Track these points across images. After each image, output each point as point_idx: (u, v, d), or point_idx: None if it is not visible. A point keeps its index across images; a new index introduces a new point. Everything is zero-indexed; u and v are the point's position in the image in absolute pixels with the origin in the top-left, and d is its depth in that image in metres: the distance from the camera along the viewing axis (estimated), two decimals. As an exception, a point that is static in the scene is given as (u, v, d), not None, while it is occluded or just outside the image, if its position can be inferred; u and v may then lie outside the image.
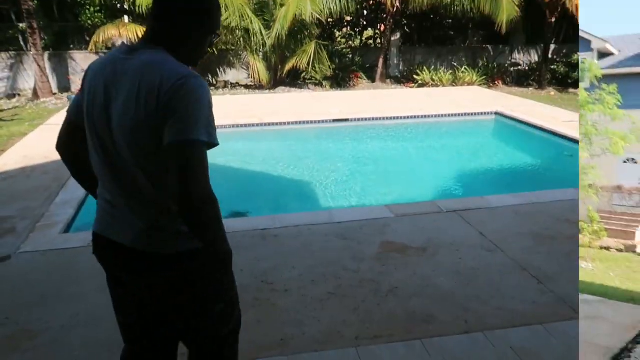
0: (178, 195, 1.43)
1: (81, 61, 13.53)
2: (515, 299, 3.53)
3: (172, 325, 1.76)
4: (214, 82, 14.27)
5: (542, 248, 4.28)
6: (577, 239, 4.46)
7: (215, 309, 1.73)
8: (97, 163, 1.59)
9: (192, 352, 1.82)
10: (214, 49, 13.34)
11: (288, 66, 12.92)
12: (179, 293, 1.63)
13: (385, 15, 14.56)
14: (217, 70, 14.53)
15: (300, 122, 9.52)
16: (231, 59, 14.44)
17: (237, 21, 12.20)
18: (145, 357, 1.84)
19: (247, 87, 14.10)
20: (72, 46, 13.99)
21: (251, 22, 12.38)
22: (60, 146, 1.73)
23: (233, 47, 13.88)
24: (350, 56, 15.26)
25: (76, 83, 12.94)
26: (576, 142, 8.12)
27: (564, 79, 14.42)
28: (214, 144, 1.48)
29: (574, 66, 14.13)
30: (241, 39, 12.90)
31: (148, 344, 1.82)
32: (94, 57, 13.44)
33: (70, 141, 1.70)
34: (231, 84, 14.28)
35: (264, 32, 12.72)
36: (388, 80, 15.19)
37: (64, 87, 13.38)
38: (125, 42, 1.70)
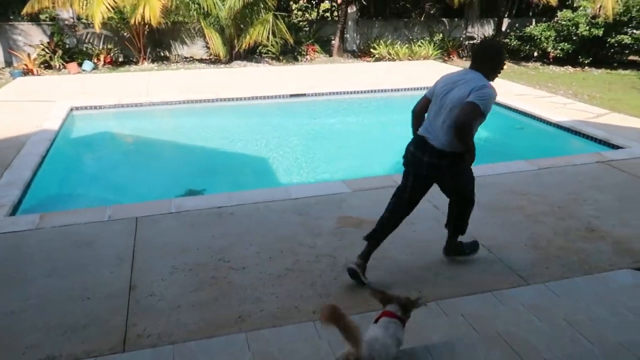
0: (456, 134, 3.13)
1: (23, 34, 12.74)
2: (467, 268, 3.67)
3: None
4: (167, 56, 13.80)
5: (493, 219, 4.44)
6: (525, 210, 4.64)
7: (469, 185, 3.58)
8: (431, 114, 3.29)
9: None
10: (168, 21, 12.85)
11: (246, 40, 12.61)
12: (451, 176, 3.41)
13: (341, -13, 14.42)
14: (171, 43, 14.04)
15: (256, 97, 9.37)
16: (185, 32, 13.96)
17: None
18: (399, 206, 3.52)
19: (202, 61, 13.72)
20: (11, 17, 13.16)
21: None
22: (417, 110, 3.45)
23: (187, 20, 13.41)
24: (307, 29, 15.05)
25: (19, 57, 12.18)
26: (526, 114, 8.38)
27: (516, 53, 14.74)
28: (484, 113, 3.09)
29: (526, 39, 14.44)
30: (195, 12, 12.47)
31: (404, 196, 3.48)
32: (35, 29, 12.69)
33: (422, 109, 3.40)
34: (185, 58, 13.85)
35: (218, 3, 12.33)
36: (345, 54, 15.12)
37: (6, 61, 12.61)
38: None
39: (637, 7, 12.47)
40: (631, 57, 14.14)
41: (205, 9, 12.26)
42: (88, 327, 2.97)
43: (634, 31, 12.93)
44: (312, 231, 4.16)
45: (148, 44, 13.34)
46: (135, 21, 11.67)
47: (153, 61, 13.35)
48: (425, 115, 3.39)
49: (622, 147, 6.54)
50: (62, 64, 12.19)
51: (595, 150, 6.60)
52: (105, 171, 6.63)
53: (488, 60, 3.23)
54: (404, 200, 3.47)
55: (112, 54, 13.13)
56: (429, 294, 3.34)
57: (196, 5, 12.25)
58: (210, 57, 13.34)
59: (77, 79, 11.12)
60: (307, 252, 3.83)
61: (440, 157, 3.25)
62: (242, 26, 13.07)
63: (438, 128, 3.22)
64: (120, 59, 13.36)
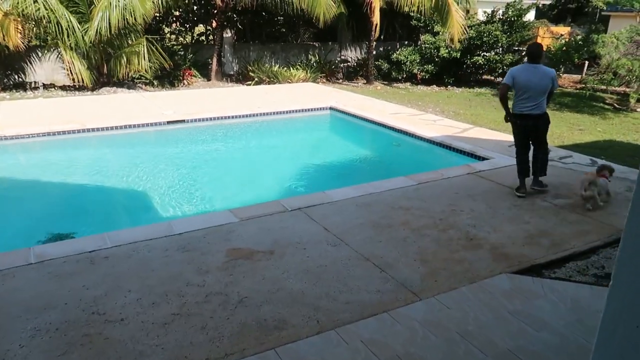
0: (551, 97, 5.64)
1: None
2: (362, 290, 3.64)
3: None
4: (22, 83, 12.41)
5: (381, 236, 4.51)
6: (409, 224, 4.79)
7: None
8: (522, 96, 5.44)
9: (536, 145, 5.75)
10: (18, 45, 11.59)
11: (120, 69, 11.81)
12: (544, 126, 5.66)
13: (215, 11, 14.19)
14: (26, 68, 12.66)
15: (130, 126, 8.72)
16: (40, 55, 12.67)
17: (42, 12, 10.69)
18: (525, 150, 5.71)
19: (64, 88, 12.54)
20: None
21: (60, 15, 10.96)
22: (503, 95, 5.54)
23: (43, 43, 12.21)
24: (182, 53, 14.56)
25: None
26: (402, 132, 8.86)
27: (388, 74, 15.67)
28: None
29: (394, 62, 15.40)
30: (50, 34, 11.34)
31: (526, 144, 5.71)
32: None
33: (506, 93, 5.50)
34: (44, 85, 12.57)
35: (78, 26, 11.39)
36: (224, 78, 14.87)
37: None
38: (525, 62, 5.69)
39: (487, 33, 13.99)
40: (485, 77, 15.79)
41: (61, 31, 11.21)
42: None
43: (485, 54, 14.51)
44: (200, 268, 3.86)
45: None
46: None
47: (4, 89, 11.92)
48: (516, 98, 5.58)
49: (486, 158, 7.14)
50: None
51: (465, 162, 7.12)
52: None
53: (542, 55, 5.56)
54: (522, 146, 5.69)
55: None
56: (327, 322, 3.24)
57: (52, 25, 11.12)
58: (75, 84, 12.25)
59: None
60: (195, 293, 3.53)
61: (540, 118, 5.53)
62: (110, 50, 12.24)
63: (534, 101, 5.41)
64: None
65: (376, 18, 13.19)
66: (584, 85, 14.73)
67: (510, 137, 8.20)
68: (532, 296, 3.59)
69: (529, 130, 5.61)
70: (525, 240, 4.53)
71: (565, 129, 9.72)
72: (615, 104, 12.45)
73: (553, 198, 5.59)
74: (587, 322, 3.20)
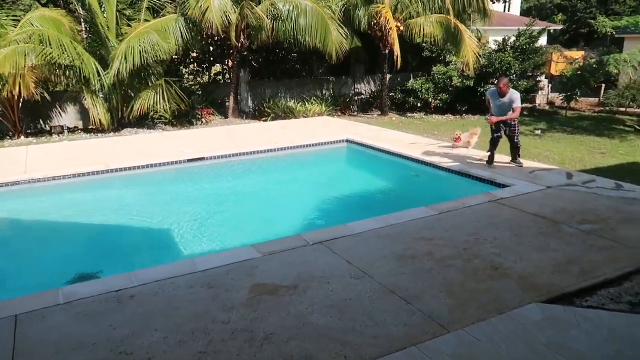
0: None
1: None
2: (389, 323, 3.59)
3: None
4: (48, 129, 12.81)
5: (405, 268, 4.46)
6: (433, 255, 4.74)
7: None
8: (495, 109, 8.12)
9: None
10: (46, 92, 12.04)
11: (136, 107, 12.15)
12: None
13: (231, 51, 14.59)
14: (52, 114, 13.09)
15: (151, 165, 8.88)
16: (67, 101, 13.13)
17: (68, 59, 11.13)
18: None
19: (88, 131, 12.90)
20: None
21: (83, 61, 11.39)
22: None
23: (67, 89, 12.65)
24: (200, 93, 14.92)
25: None
26: (420, 162, 8.86)
27: (402, 105, 15.80)
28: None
29: (408, 92, 15.56)
30: (74, 80, 11.76)
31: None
32: None
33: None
34: (69, 128, 12.95)
35: (101, 71, 11.81)
36: (241, 115, 15.15)
37: None
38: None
39: (499, 60, 14.10)
40: (500, 104, 15.78)
41: (86, 77, 11.63)
42: None
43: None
44: (225, 305, 3.86)
45: (25, 116, 12.31)
46: (7, 95, 10.86)
47: (32, 134, 12.30)
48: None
49: (507, 186, 7.08)
50: None
51: (485, 190, 7.07)
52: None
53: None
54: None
55: (-20, 130, 11.88)
56: (355, 357, 3.19)
57: (76, 71, 11.53)
58: (98, 126, 12.60)
59: (-61, 159, 9.83)
60: (221, 330, 3.52)
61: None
62: (130, 93, 12.62)
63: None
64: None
65: (397, 49, 13.35)
66: (602, 108, 14.62)
67: (533, 164, 8.17)
68: (565, 326, 3.49)
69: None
70: (554, 269, 4.44)
71: (586, 153, 9.61)
72: (636, 126, 12.31)
73: (579, 224, 5.49)
74: (628, 353, 3.09)
